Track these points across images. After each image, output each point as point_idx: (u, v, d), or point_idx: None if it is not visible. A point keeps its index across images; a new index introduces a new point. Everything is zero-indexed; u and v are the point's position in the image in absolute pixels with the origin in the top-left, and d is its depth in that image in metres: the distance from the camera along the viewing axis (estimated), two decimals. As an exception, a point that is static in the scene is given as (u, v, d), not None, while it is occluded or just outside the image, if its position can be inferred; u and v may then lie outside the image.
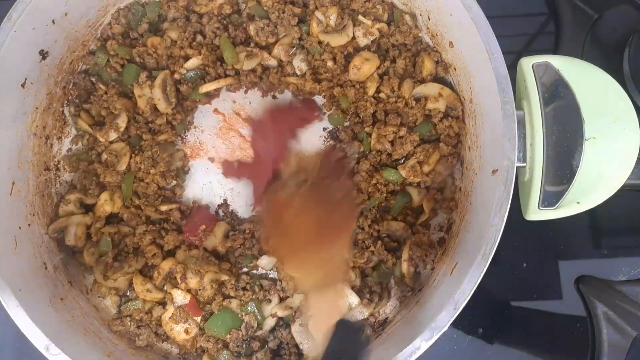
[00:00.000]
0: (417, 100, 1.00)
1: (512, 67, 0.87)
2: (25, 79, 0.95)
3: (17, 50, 0.92)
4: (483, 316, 1.08)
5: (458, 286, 0.79)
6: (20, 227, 0.92)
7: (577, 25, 1.16)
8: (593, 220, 1.14)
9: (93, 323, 0.94)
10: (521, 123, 0.84)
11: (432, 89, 1.00)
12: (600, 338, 1.02)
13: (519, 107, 0.86)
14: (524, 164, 0.84)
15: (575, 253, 1.14)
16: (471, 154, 0.95)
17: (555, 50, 1.15)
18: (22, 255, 0.90)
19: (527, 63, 0.87)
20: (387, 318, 0.97)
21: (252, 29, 1.03)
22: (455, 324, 1.08)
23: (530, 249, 1.13)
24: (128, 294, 0.99)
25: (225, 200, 1.04)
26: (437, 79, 1.02)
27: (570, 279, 1.09)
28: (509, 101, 0.82)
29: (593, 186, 0.83)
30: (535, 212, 0.84)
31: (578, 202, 0.83)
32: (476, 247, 0.80)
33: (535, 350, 1.09)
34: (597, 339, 1.02)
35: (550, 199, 0.83)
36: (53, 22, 0.96)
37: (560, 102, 0.84)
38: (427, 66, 1.00)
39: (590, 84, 0.85)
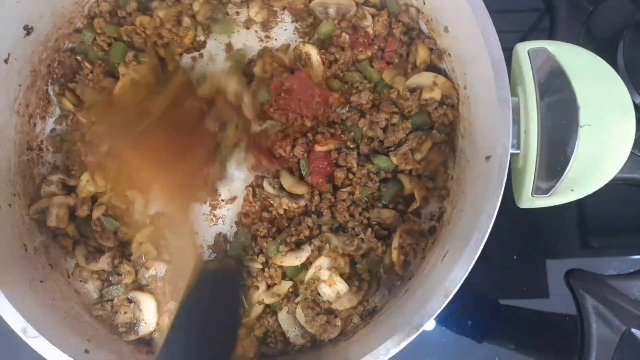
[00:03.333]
0: (412, 91, 0.98)
1: (507, 61, 0.86)
2: (9, 55, 0.92)
3: (0, 24, 0.89)
4: (471, 310, 1.07)
5: (449, 273, 0.77)
6: (0, 207, 0.89)
7: (572, 18, 1.15)
8: (583, 215, 1.13)
9: (74, 307, 0.92)
10: (515, 109, 0.83)
11: (426, 78, 0.98)
12: (590, 332, 1.01)
13: (513, 93, 0.84)
14: (518, 151, 0.83)
15: (565, 248, 1.14)
16: (464, 142, 0.94)
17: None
18: (1, 236, 0.87)
19: (523, 48, 0.86)
20: (375, 307, 0.95)
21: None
22: (444, 319, 1.07)
23: (519, 244, 1.12)
24: (110, 278, 0.96)
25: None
26: (430, 67, 1.01)
27: (560, 273, 1.08)
28: (504, 87, 0.81)
29: (587, 174, 0.81)
30: (528, 200, 0.83)
31: (572, 190, 0.82)
32: (468, 234, 0.79)
33: (524, 346, 1.08)
34: (587, 332, 1.01)
35: (543, 187, 0.81)
36: (39, -4, 0.94)
37: (556, 89, 0.83)
38: (421, 54, 0.99)
39: (587, 70, 0.84)
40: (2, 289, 0.79)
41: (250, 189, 0.98)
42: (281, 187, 0.96)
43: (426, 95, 0.97)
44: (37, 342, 0.78)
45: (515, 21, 1.21)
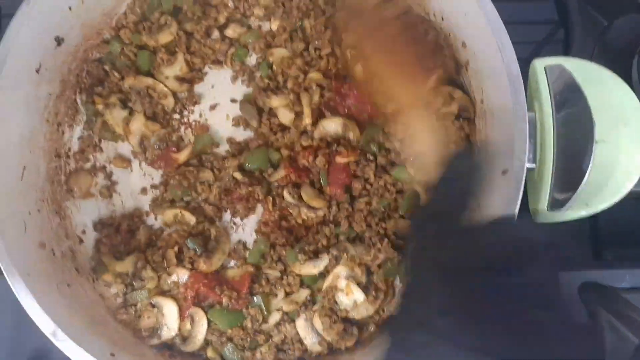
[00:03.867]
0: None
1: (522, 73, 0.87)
2: (40, 64, 0.96)
3: (33, 34, 0.92)
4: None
5: (465, 284, 0.79)
6: (29, 212, 0.92)
7: (587, 32, 1.17)
8: (596, 227, 1.14)
9: (99, 311, 0.94)
10: (532, 124, 0.85)
11: (443, 92, 1.00)
12: (603, 345, 1.02)
13: (530, 108, 0.86)
14: (534, 165, 0.85)
15: (578, 261, 1.14)
16: (480, 155, 0.96)
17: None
18: (31, 240, 0.90)
19: (540, 64, 0.88)
20: (391, 316, 0.97)
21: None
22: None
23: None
24: (134, 283, 0.99)
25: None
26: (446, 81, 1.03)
27: (572, 286, 1.08)
28: (521, 102, 0.83)
29: (602, 189, 0.83)
30: (544, 214, 0.85)
31: (587, 205, 0.83)
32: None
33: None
34: (600, 346, 1.02)
35: (559, 201, 0.83)
36: (70, 8, 0.97)
37: (572, 104, 0.85)
38: (440, 71, 1.01)
39: (603, 87, 0.86)
40: (32, 292, 0.82)
41: (270, 198, 1.01)
42: (300, 198, 0.98)
43: (443, 109, 0.99)
44: (66, 345, 0.81)
45: (528, 32, 1.22)
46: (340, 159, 0.98)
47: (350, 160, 0.99)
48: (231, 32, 1.08)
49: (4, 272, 0.83)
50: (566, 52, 1.16)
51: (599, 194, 0.83)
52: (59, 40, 0.98)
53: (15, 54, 0.90)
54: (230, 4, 1.08)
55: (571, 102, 0.85)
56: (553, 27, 1.23)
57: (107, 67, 1.05)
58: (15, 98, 0.92)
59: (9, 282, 0.82)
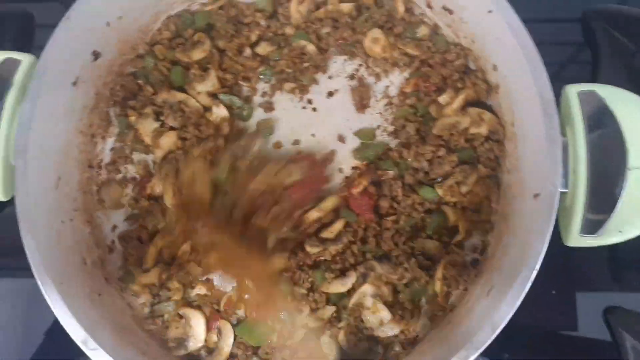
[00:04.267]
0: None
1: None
2: (77, 78, 0.98)
3: (72, 49, 0.95)
4: (506, 342, 1.08)
5: (496, 309, 0.80)
6: (62, 222, 0.94)
7: (615, 56, 1.17)
8: (618, 249, 1.13)
9: (127, 320, 0.95)
10: (564, 149, 0.85)
11: (472, 113, 1.01)
12: None
13: (562, 132, 0.87)
14: (566, 190, 0.85)
15: (602, 284, 1.14)
16: (510, 177, 0.96)
17: (593, 80, 1.15)
18: (64, 249, 0.92)
19: (573, 90, 0.88)
20: (417, 336, 0.97)
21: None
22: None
23: (556, 278, 1.12)
24: (160, 293, 1.00)
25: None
26: (476, 102, 1.04)
27: (596, 310, 1.08)
28: (554, 127, 0.84)
29: (635, 216, 0.83)
30: (576, 239, 0.84)
31: (620, 231, 0.83)
32: (515, 271, 0.81)
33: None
34: None
35: (591, 227, 0.83)
36: (108, 24, 1.00)
37: (605, 131, 0.85)
38: (469, 91, 1.02)
39: (635, 113, 0.86)
40: (65, 300, 0.83)
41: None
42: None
43: (473, 130, 0.99)
44: (96, 354, 0.82)
45: (553, 53, 1.22)
46: (355, 190, 0.99)
47: (365, 185, 0.99)
48: (262, 49, 1.09)
49: (38, 280, 0.84)
50: (594, 74, 1.16)
51: (632, 220, 0.83)
52: (96, 55, 1.00)
53: (54, 66, 0.93)
54: (263, 22, 1.10)
55: (604, 128, 0.85)
56: (576, 48, 1.23)
57: (140, 82, 1.07)
58: (53, 109, 0.94)
59: (42, 291, 0.84)
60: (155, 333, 0.97)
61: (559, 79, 1.17)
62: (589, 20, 1.13)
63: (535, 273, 0.78)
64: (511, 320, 0.78)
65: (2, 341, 1.08)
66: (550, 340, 1.12)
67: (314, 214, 0.99)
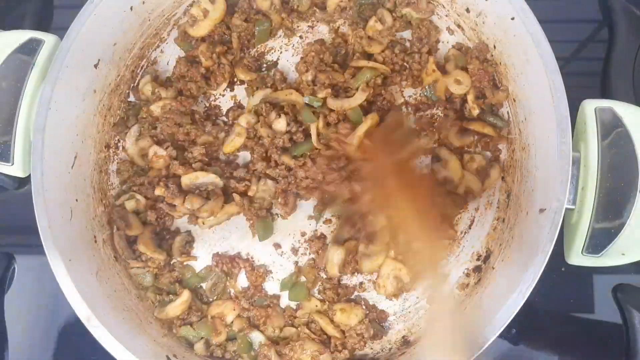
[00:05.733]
0: None
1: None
2: (99, 60, 1.00)
3: (95, 32, 0.97)
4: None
5: (490, 320, 0.80)
6: (77, 200, 0.97)
7: (631, 32, 1.11)
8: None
9: (132, 300, 0.99)
10: (575, 165, 0.84)
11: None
12: (636, 347, 0.98)
13: (575, 148, 0.85)
14: (573, 207, 0.84)
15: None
16: (519, 188, 0.95)
17: (606, 62, 1.11)
18: (76, 227, 0.95)
19: (590, 106, 0.86)
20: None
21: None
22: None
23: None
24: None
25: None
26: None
27: (607, 287, 1.05)
28: (566, 142, 0.82)
29: (641, 240, 0.82)
30: (578, 257, 0.84)
31: (623, 254, 0.82)
32: (513, 285, 0.81)
33: (568, 357, 1.08)
34: (632, 348, 0.98)
35: (595, 246, 0.82)
36: (131, 8, 1.01)
37: (619, 150, 0.83)
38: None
39: (653, 136, 0.84)
40: (72, 278, 0.87)
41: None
42: None
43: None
44: (98, 331, 0.85)
45: (571, 32, 1.18)
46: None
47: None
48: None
49: (48, 256, 0.87)
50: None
51: (637, 244, 0.81)
52: (118, 39, 1.02)
53: (77, 48, 0.94)
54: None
55: (619, 147, 0.83)
56: (596, 27, 1.18)
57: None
58: (73, 90, 0.97)
59: (51, 266, 0.87)
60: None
61: (576, 59, 1.15)
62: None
63: (532, 287, 0.79)
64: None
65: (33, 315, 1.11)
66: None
67: None
